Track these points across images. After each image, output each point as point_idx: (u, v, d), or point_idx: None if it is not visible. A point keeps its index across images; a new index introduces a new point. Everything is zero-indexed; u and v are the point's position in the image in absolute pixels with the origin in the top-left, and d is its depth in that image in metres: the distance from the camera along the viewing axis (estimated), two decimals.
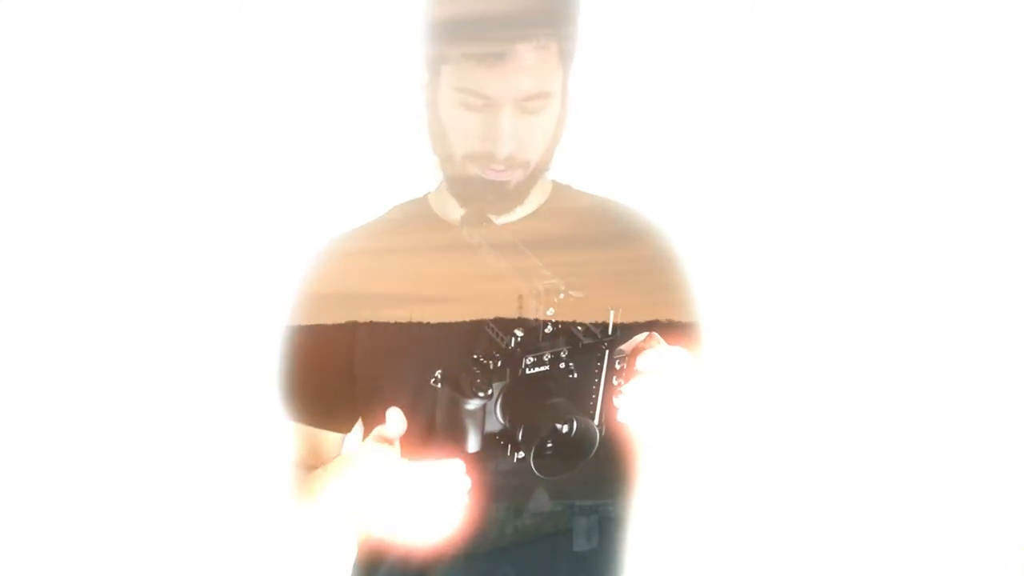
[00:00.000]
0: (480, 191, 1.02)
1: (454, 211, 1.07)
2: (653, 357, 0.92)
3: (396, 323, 1.04)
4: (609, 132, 1.14)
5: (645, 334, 0.98)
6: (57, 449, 1.14)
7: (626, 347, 0.95)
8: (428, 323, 1.03)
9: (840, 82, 1.12)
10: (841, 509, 1.14)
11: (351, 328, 1.06)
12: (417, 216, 1.12)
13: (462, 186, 1.04)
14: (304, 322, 1.08)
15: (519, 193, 1.04)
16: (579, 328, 0.92)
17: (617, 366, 0.94)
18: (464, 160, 1.01)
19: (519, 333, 0.88)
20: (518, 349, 0.88)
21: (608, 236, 1.10)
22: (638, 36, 1.13)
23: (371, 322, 1.05)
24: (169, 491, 1.14)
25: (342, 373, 1.08)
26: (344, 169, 1.16)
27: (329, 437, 1.13)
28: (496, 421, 0.90)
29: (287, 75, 1.13)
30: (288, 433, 1.11)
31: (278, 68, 1.14)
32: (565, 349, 0.90)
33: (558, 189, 1.13)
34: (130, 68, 1.11)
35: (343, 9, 1.13)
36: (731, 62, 1.13)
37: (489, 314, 0.95)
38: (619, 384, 0.94)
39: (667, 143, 1.16)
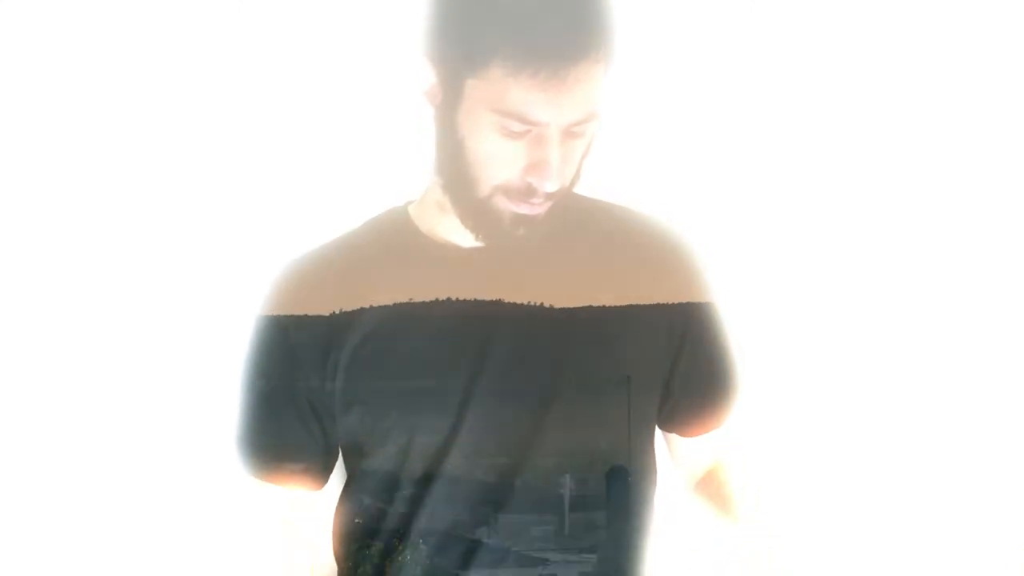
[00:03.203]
0: (509, 225, 0.88)
1: (445, 231, 0.93)
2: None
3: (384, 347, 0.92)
4: (607, 132, 1.09)
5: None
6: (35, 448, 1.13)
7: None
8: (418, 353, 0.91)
9: (839, 81, 1.10)
10: (842, 509, 1.13)
11: (320, 356, 0.93)
12: (396, 234, 0.96)
13: (485, 218, 0.89)
14: (260, 351, 0.95)
15: (547, 220, 0.90)
16: None
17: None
18: (494, 191, 0.86)
19: None
20: None
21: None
22: (638, 36, 1.06)
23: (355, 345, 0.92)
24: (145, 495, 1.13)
25: (306, 410, 0.95)
26: (324, 175, 1.11)
27: (301, 499, 0.98)
28: None
29: (285, 75, 1.10)
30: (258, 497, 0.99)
31: (277, 68, 1.11)
32: None
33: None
34: (129, 67, 1.09)
35: (342, 10, 1.10)
36: (731, 62, 1.11)
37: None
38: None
39: (666, 142, 1.13)
